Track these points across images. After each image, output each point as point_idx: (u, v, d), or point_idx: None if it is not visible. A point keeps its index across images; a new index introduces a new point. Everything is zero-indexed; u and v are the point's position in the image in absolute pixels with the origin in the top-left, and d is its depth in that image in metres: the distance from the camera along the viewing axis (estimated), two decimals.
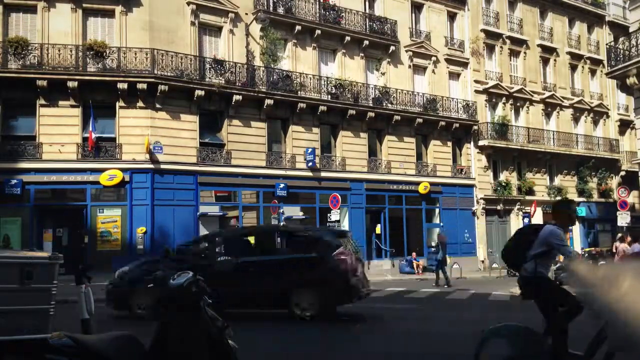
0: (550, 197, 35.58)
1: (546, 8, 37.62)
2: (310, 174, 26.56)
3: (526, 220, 33.55)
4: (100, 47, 22.35)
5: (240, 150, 24.75)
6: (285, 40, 26.88)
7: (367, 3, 30.10)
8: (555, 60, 37.72)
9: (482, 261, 31.96)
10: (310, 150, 26.36)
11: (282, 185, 25.40)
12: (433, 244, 23.33)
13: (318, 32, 27.40)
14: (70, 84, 21.57)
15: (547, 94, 36.72)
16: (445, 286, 21.39)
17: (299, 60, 27.14)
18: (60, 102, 22.05)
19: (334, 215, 25.18)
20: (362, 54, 29.20)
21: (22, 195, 21.35)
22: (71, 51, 22.06)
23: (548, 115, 37.24)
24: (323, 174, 27.04)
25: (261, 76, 25.55)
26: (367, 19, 29.48)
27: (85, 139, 21.97)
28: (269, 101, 25.21)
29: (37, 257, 4.03)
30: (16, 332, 3.53)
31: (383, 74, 29.95)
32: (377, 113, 28.52)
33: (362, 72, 29.20)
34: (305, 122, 26.89)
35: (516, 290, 19.02)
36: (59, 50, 21.91)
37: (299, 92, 26.41)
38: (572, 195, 36.85)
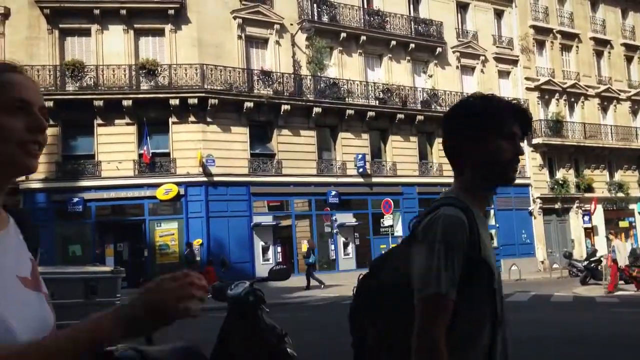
0: (610, 193, 34.40)
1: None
2: (361, 180, 26.48)
3: (586, 218, 32.51)
4: (152, 66, 22.98)
5: (290, 159, 24.92)
6: (331, 48, 26.96)
7: (411, 6, 29.87)
8: (609, 52, 36.51)
9: (542, 262, 31.10)
10: (360, 156, 26.31)
11: (333, 193, 25.42)
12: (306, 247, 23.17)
13: (363, 38, 27.37)
14: (125, 102, 22.22)
15: (603, 87, 35.57)
16: (322, 286, 21.29)
17: (345, 67, 27.17)
18: (116, 121, 22.72)
19: (387, 221, 24.97)
20: (409, 57, 28.98)
21: (83, 212, 22.08)
22: (125, 71, 22.74)
23: (604, 109, 36.06)
24: (374, 180, 26.92)
25: (308, 85, 25.70)
26: (412, 22, 29.27)
27: (140, 155, 22.58)
28: (317, 109, 25.32)
29: (100, 271, 4.18)
30: None
31: (430, 76, 29.64)
32: (426, 116, 28.20)
33: (409, 75, 28.97)
34: (354, 128, 26.86)
35: (579, 291, 18.43)
36: (114, 71, 22.61)
37: (347, 99, 26.41)
38: (634, 191, 35.53)
